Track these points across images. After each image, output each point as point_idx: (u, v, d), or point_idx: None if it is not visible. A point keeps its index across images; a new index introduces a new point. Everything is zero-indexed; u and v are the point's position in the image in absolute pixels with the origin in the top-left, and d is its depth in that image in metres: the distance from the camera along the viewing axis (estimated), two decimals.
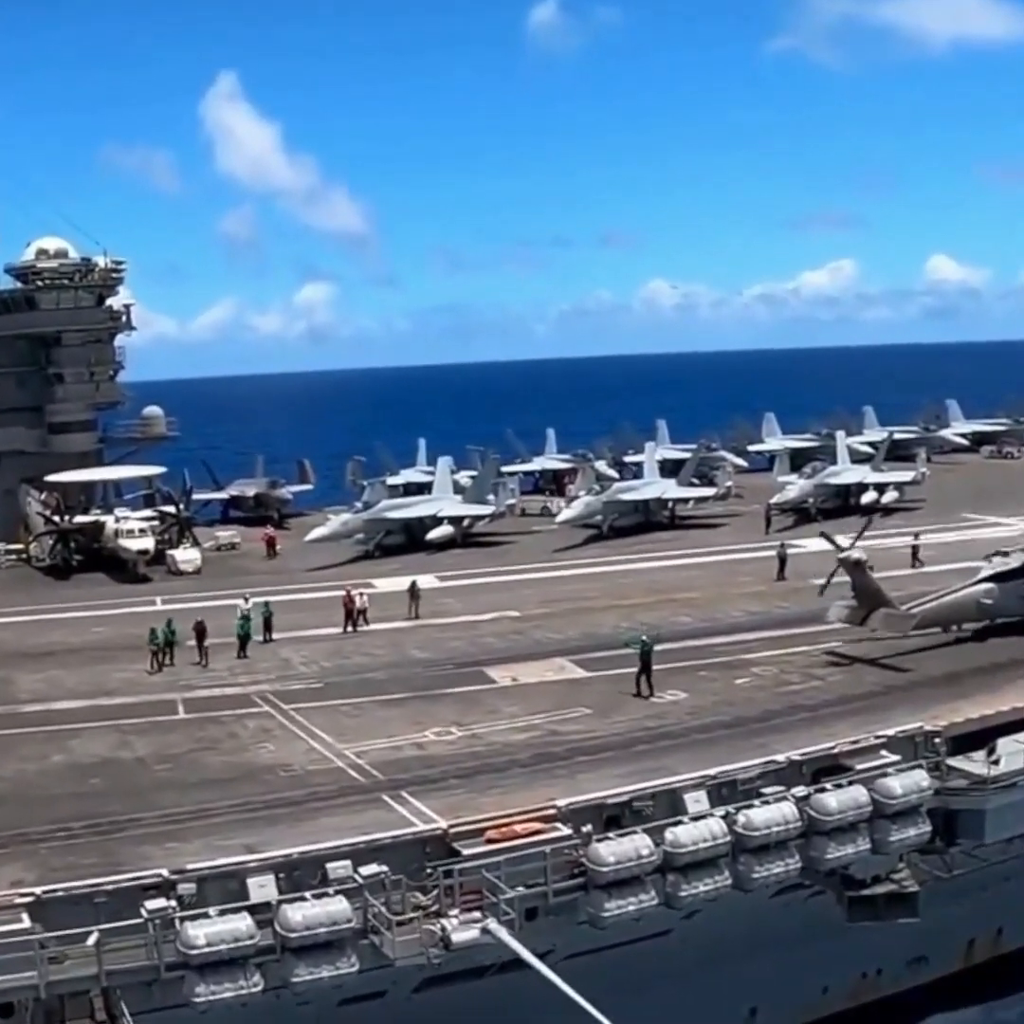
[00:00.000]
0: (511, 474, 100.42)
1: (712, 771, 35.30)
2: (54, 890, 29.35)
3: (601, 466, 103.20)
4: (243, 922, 28.54)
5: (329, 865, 30.50)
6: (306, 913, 28.87)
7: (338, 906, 29.08)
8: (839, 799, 34.33)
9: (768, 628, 54.36)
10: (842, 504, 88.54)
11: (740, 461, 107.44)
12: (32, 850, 33.08)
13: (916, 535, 68.30)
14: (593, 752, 39.42)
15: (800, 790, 34.63)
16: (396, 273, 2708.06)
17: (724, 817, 33.31)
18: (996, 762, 37.44)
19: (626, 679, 45.90)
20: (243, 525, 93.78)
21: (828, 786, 34.87)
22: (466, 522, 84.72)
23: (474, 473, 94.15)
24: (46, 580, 77.42)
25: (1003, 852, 39.51)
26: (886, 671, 47.02)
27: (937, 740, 38.08)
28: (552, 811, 33.14)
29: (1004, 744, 38.13)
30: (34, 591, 73.14)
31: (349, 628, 58.16)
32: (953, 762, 37.79)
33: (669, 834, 32.53)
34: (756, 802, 33.96)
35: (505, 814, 33.07)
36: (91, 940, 28.16)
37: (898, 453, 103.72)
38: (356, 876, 30.20)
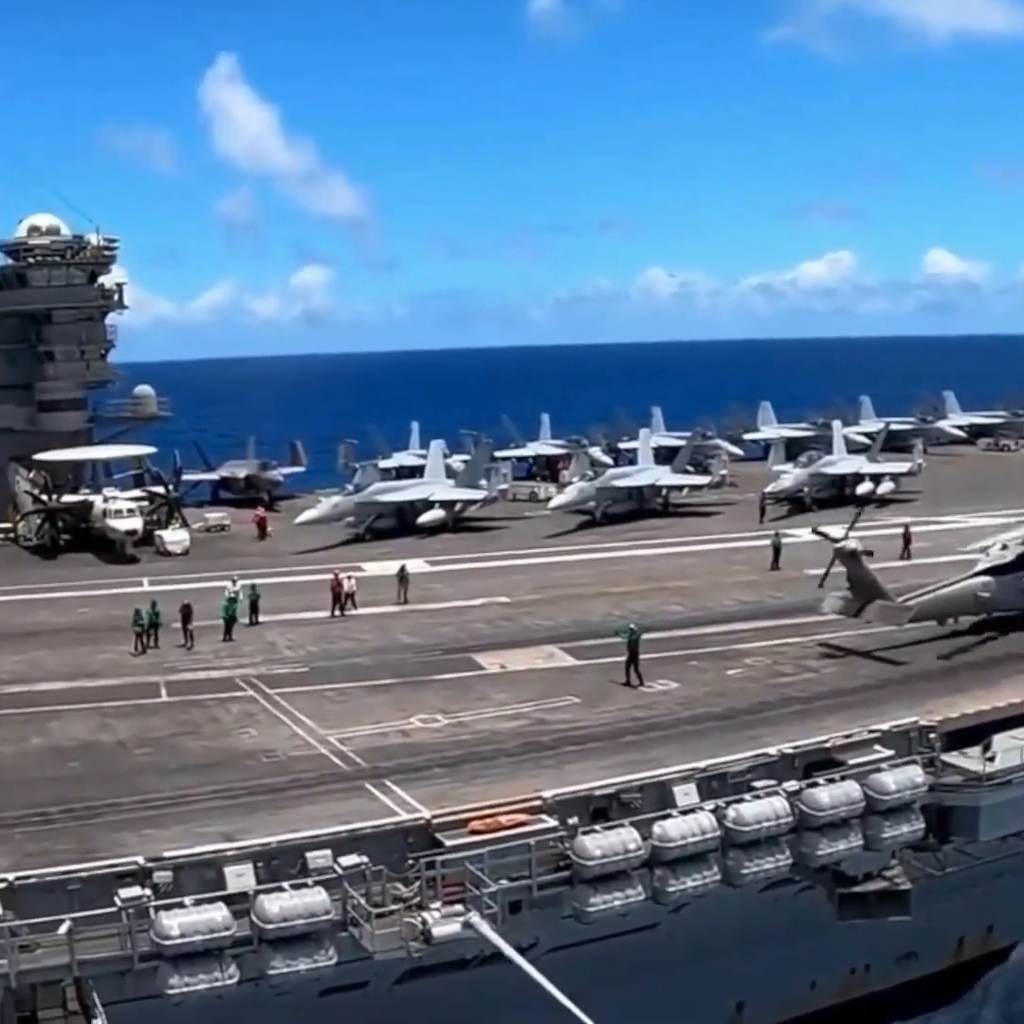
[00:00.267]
0: (504, 459, 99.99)
1: (702, 763, 34.72)
2: (27, 876, 28.69)
3: (595, 452, 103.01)
4: (219, 913, 27.95)
5: (309, 855, 29.91)
6: (283, 904, 28.30)
7: (317, 898, 28.51)
8: (831, 794, 33.78)
9: (761, 618, 53.85)
10: (837, 494, 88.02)
11: (735, 449, 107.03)
12: (6, 835, 32.46)
13: (906, 527, 67.51)
14: (581, 742, 38.86)
15: (792, 784, 34.08)
16: (394, 258, 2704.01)
17: (714, 811, 32.74)
18: (991, 758, 36.85)
19: (616, 668, 45.33)
20: (233, 507, 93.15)
21: (820, 781, 34.33)
22: (458, 507, 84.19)
23: (467, 457, 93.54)
24: (33, 560, 76.78)
25: (996, 850, 39.03)
26: (881, 664, 46.49)
27: (932, 735, 37.49)
28: (538, 802, 32.58)
29: (1000, 740, 37.55)
30: (20, 570, 72.45)
31: (337, 612, 57.60)
32: (948, 758, 37.22)
33: (657, 828, 31.99)
34: (747, 796, 33.46)
35: (490, 805, 32.51)
36: (63, 928, 27.55)
37: (894, 444, 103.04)
38: (336, 866, 29.60)
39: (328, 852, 29.92)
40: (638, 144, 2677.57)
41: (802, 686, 44.24)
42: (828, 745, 36.34)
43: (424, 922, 29.37)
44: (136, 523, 75.71)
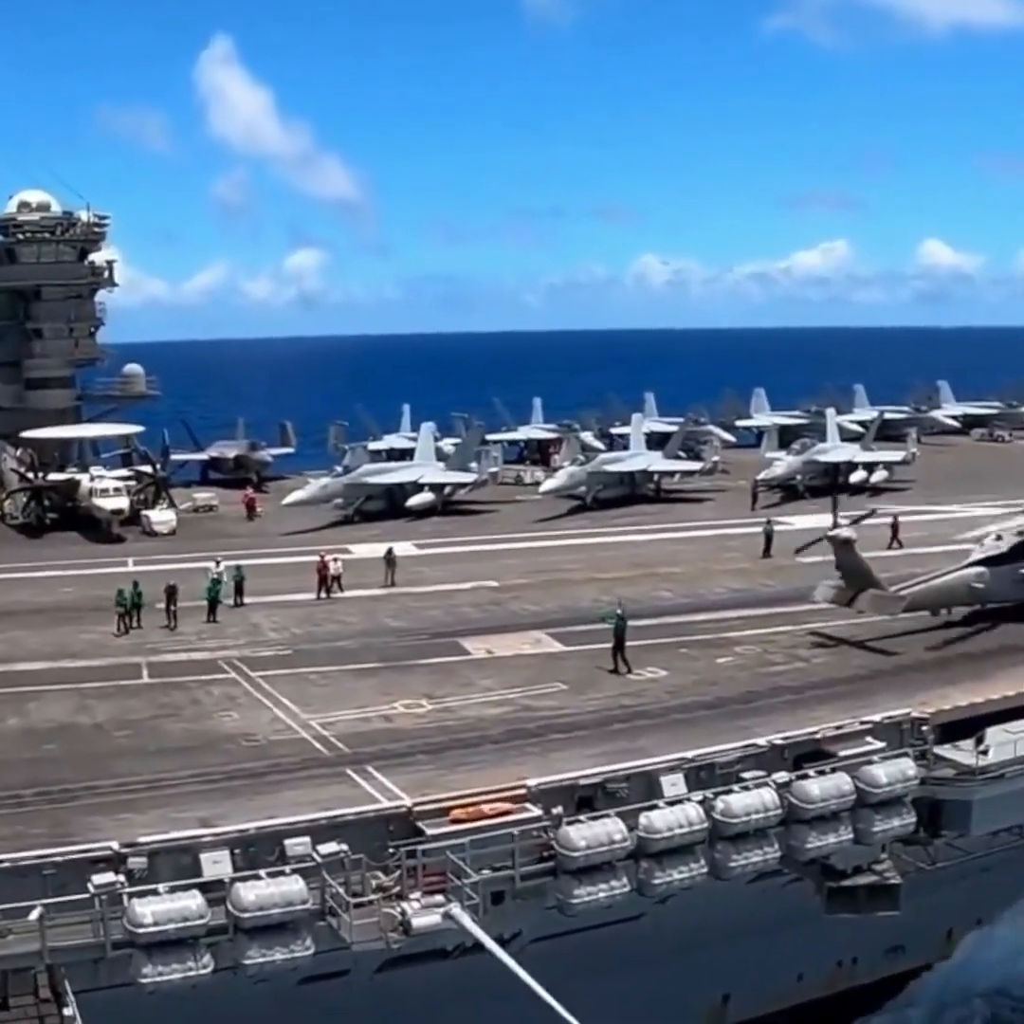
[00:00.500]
0: (495, 442, 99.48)
1: (690, 753, 34.08)
2: None
3: (587, 437, 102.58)
4: (193, 900, 27.33)
5: (287, 842, 29.26)
6: (260, 892, 27.69)
7: (294, 886, 27.90)
8: (822, 786, 33.22)
9: (752, 606, 53.31)
10: (830, 482, 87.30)
11: (728, 436, 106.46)
12: None
13: (895, 516, 66.90)
14: (567, 730, 38.30)
15: (781, 776, 33.44)
16: (389, 241, 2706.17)
17: (701, 802, 32.15)
18: (985, 752, 36.31)
19: (604, 654, 44.79)
20: (222, 487, 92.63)
21: (811, 773, 33.73)
22: (448, 490, 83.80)
23: (457, 440, 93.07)
24: (18, 538, 76.17)
25: (988, 845, 38.56)
26: (873, 654, 45.95)
27: (924, 727, 36.92)
28: (522, 791, 31.94)
29: (993, 733, 36.97)
30: (5, 549, 71.68)
31: (322, 594, 57.07)
32: (940, 751, 36.66)
33: (643, 818, 31.41)
34: (735, 787, 32.85)
35: (473, 793, 31.87)
36: (34, 915, 26.93)
37: (888, 433, 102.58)
38: (315, 854, 28.99)
39: (307, 839, 29.30)
40: (634, 131, 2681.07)
41: (793, 676, 43.69)
42: (819, 736, 35.72)
43: (404, 913, 28.77)
44: (122, 502, 75.25)
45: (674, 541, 70.67)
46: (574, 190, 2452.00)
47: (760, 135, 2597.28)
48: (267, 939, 27.84)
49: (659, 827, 31.29)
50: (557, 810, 31.25)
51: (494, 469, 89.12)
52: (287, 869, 28.36)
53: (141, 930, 26.87)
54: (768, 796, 32.59)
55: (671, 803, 32.03)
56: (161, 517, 76.91)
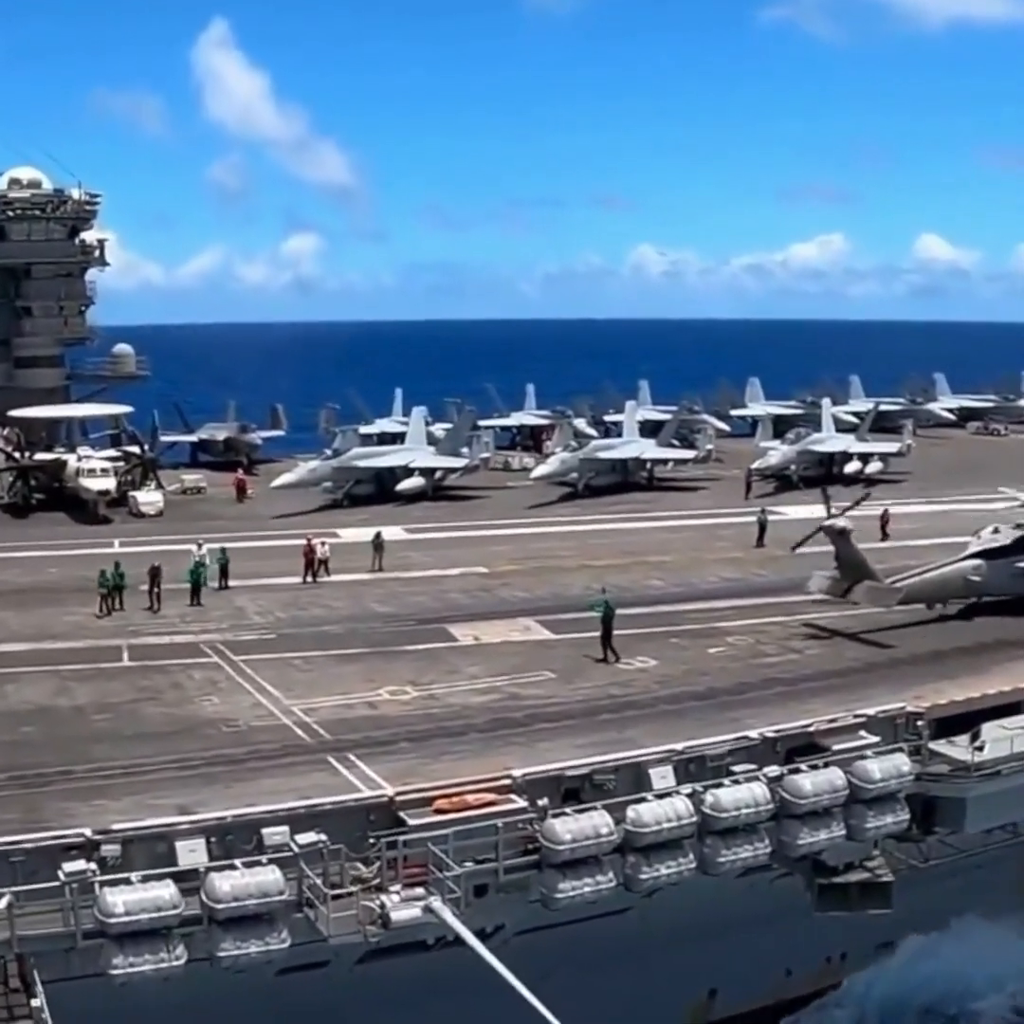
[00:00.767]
0: (487, 428, 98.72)
1: (679, 745, 33.41)
2: None
3: (580, 424, 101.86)
4: (166, 890, 26.63)
5: (265, 831, 28.61)
6: (235, 883, 26.97)
7: (270, 877, 27.19)
8: (814, 781, 32.56)
9: (745, 596, 52.81)
10: (825, 473, 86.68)
11: (722, 425, 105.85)
12: None
13: (885, 509, 66.20)
14: (554, 719, 37.73)
15: (773, 770, 32.81)
16: (384, 228, 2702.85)
17: (690, 796, 31.48)
18: (980, 748, 35.70)
19: (594, 643, 44.21)
20: (211, 469, 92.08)
21: (803, 767, 33.12)
22: (438, 474, 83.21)
23: (449, 425, 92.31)
24: (4, 518, 75.42)
25: (982, 843, 37.97)
26: (867, 646, 45.35)
27: (919, 722, 36.28)
28: (507, 781, 31.29)
29: (988, 729, 36.39)
30: None
31: (309, 578, 56.48)
32: (935, 746, 36.04)
33: (631, 812, 30.71)
34: (726, 781, 32.23)
35: (457, 783, 31.22)
36: (2, 903, 26.26)
37: (883, 425, 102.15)
38: (293, 844, 28.31)
39: (285, 829, 28.63)
40: (631, 121, 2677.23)
41: (786, 667, 43.13)
42: (812, 729, 35.10)
43: (383, 905, 28.11)
44: (109, 483, 74.59)
45: (666, 529, 70.04)
46: (571, 179, 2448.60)
47: (757, 127, 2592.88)
48: (242, 931, 27.14)
49: (647, 820, 30.61)
50: (543, 802, 30.60)
51: (486, 454, 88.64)
52: (264, 859, 27.69)
53: (112, 920, 26.24)
54: (759, 790, 31.95)
55: (660, 796, 31.40)
56: (148, 498, 76.31)
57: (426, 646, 45.76)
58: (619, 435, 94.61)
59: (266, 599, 52.94)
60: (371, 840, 29.34)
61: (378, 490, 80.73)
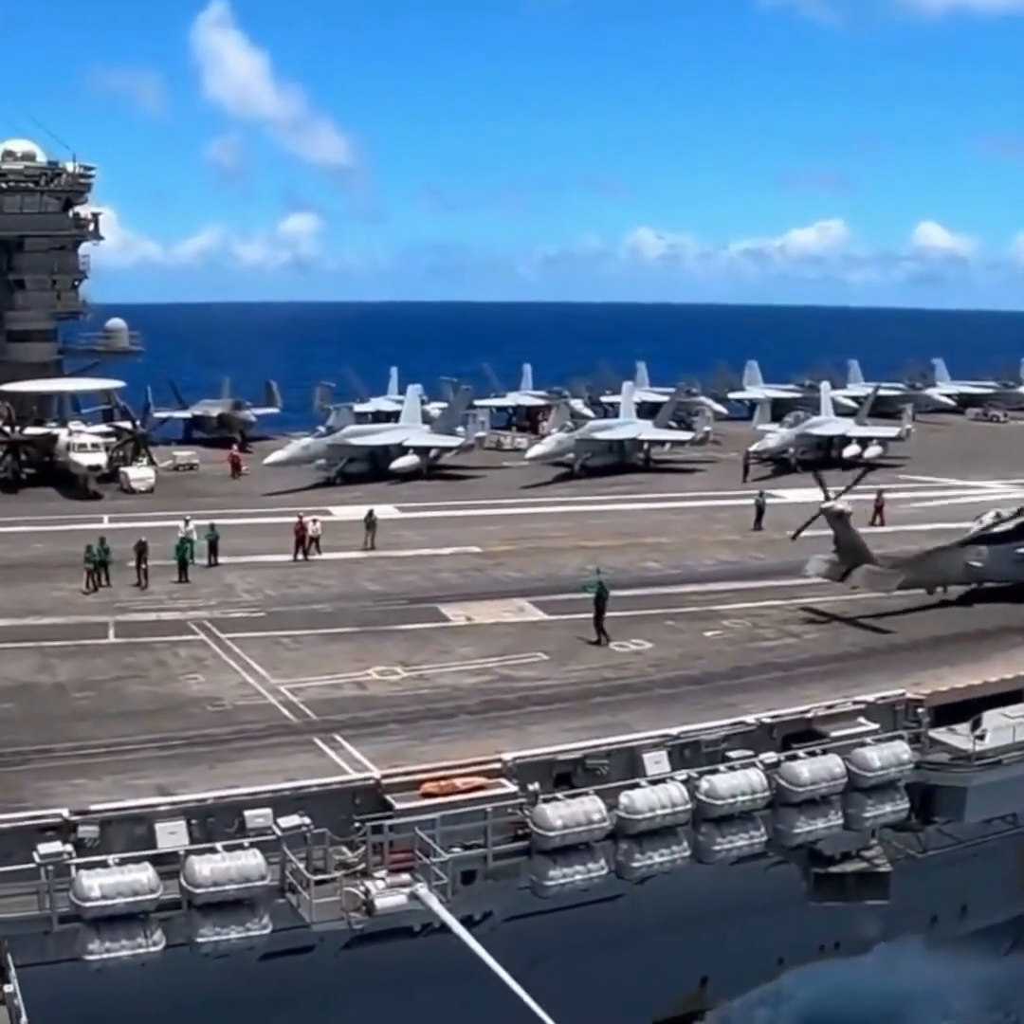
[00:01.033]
0: (483, 407, 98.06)
1: (674, 730, 32.81)
2: None
3: (577, 404, 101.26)
4: (144, 873, 25.92)
5: (247, 813, 27.99)
6: (215, 867, 26.29)
7: (251, 861, 26.48)
8: (812, 769, 31.88)
9: (742, 579, 52.10)
10: (824, 456, 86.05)
11: (720, 407, 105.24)
12: None
13: (879, 493, 65.42)
14: (547, 702, 37.04)
15: (769, 756, 32.18)
16: (383, 208, 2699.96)
17: (685, 782, 30.82)
18: (981, 737, 35.03)
19: (587, 625, 43.53)
20: (205, 446, 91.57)
21: (800, 754, 32.44)
22: (433, 453, 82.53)
23: (445, 404, 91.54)
24: None
25: (981, 833, 37.28)
26: (866, 631, 44.66)
27: (919, 709, 35.60)
28: (497, 765, 30.70)
29: (990, 717, 35.74)
30: None
31: (300, 556, 55.87)
32: (935, 734, 35.36)
33: (624, 798, 30.06)
34: (721, 767, 31.61)
35: (446, 766, 30.59)
36: None
37: (882, 410, 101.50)
38: (275, 827, 27.64)
39: (268, 811, 28.02)
40: (630, 105, 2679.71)
41: (783, 651, 42.44)
42: (809, 716, 34.49)
43: (367, 892, 27.42)
44: (100, 458, 74.06)
45: (663, 511, 69.52)
46: (569, 162, 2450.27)
47: (756, 112, 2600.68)
48: (222, 916, 26.47)
49: (640, 807, 29.95)
50: (533, 786, 30.03)
51: (481, 434, 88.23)
52: (245, 842, 27.01)
53: (88, 904, 25.55)
54: (755, 777, 31.27)
55: (653, 782, 30.79)
56: (139, 474, 75.68)
57: (417, 626, 45.17)
58: (616, 416, 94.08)
59: (256, 577, 52.32)
60: (356, 824, 28.73)
61: (372, 468, 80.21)
